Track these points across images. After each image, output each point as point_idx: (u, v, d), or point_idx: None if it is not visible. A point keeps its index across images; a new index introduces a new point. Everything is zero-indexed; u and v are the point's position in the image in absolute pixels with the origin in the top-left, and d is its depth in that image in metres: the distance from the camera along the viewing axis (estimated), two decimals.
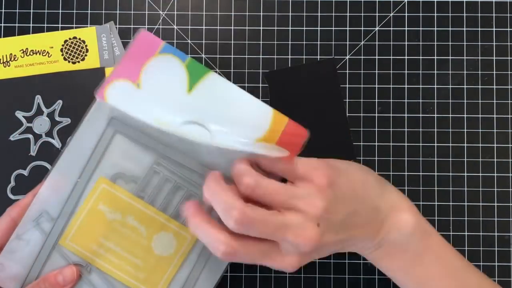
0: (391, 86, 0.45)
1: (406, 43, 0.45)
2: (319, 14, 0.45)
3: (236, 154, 0.33)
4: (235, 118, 0.34)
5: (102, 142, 0.36)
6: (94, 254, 0.36)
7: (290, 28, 0.45)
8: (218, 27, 0.45)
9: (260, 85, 0.45)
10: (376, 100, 0.45)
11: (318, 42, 0.45)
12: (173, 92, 0.34)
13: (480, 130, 0.44)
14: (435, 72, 0.45)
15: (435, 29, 0.45)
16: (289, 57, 0.45)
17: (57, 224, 0.36)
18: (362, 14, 0.45)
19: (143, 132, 0.36)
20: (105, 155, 0.36)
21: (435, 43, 0.45)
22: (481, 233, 0.44)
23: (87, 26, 0.45)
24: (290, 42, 0.45)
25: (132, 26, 0.45)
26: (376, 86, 0.45)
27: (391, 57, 0.45)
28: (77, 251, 0.36)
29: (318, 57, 0.45)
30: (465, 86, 0.45)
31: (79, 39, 0.45)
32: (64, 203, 0.36)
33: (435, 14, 0.45)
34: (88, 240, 0.36)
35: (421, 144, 0.44)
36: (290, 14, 0.45)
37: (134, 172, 0.36)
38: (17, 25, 0.45)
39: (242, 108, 0.34)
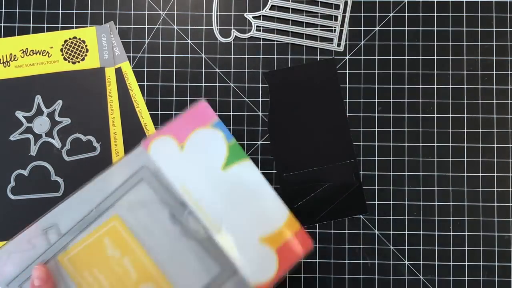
0: (391, 86, 0.45)
1: (406, 43, 0.45)
2: (319, 13, 0.45)
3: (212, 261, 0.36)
4: (253, 208, 0.37)
5: (127, 183, 0.38)
6: (83, 279, 0.37)
7: (290, 27, 0.45)
8: (218, 27, 0.45)
9: (260, 85, 0.45)
10: (376, 100, 0.45)
11: (318, 42, 0.45)
12: (209, 164, 0.37)
13: (480, 130, 0.44)
14: (435, 72, 0.45)
15: (435, 29, 0.45)
16: (289, 57, 0.45)
17: (62, 240, 0.38)
18: (362, 14, 0.45)
19: (167, 188, 0.37)
20: (125, 196, 0.38)
21: (435, 43, 0.45)
22: (481, 233, 0.44)
23: (87, 26, 0.45)
24: (290, 42, 0.45)
25: (132, 26, 0.45)
26: (376, 86, 0.45)
27: (391, 57, 0.45)
28: (70, 272, 0.37)
29: (318, 57, 0.45)
30: (465, 86, 0.45)
31: (79, 39, 0.45)
32: (74, 224, 0.38)
33: (435, 14, 0.45)
34: (84, 265, 0.37)
35: (421, 144, 0.44)
36: (290, 14, 0.45)
37: (146, 220, 0.38)
38: (17, 25, 0.45)
39: (263, 202, 0.37)
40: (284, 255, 0.35)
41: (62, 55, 0.44)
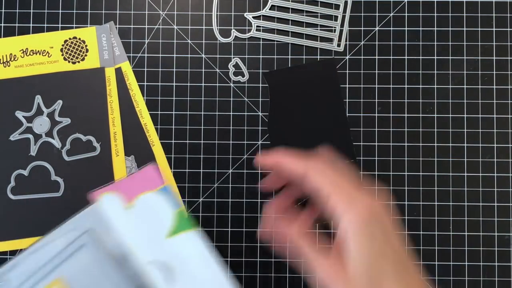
0: (391, 86, 0.45)
1: (406, 43, 0.45)
2: (319, 13, 0.45)
3: None
4: (195, 283, 0.35)
5: (70, 247, 0.37)
6: None
7: (290, 27, 0.45)
8: (218, 27, 0.45)
9: (260, 85, 0.45)
10: (376, 100, 0.45)
11: (318, 42, 0.45)
12: (154, 231, 0.36)
13: (480, 130, 0.44)
14: (435, 72, 0.45)
15: (435, 29, 0.45)
16: (289, 57, 0.45)
17: None
18: (362, 14, 0.45)
19: (112, 256, 0.37)
20: (68, 260, 0.37)
21: (435, 43, 0.45)
22: (481, 233, 0.44)
23: (87, 26, 0.45)
24: (290, 42, 0.45)
25: (132, 26, 0.45)
26: (376, 86, 0.45)
27: (391, 57, 0.45)
28: None
29: (318, 57, 0.45)
30: (465, 86, 0.45)
31: (79, 39, 0.45)
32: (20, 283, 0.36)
33: (435, 14, 0.45)
34: None
35: (421, 144, 0.44)
36: (290, 14, 0.45)
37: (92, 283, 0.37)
38: (17, 25, 0.45)
39: (207, 276, 0.36)
40: None
41: (62, 55, 0.44)
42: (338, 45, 0.45)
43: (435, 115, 0.45)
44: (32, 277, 0.37)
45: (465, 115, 0.45)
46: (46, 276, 0.37)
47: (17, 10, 0.45)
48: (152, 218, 0.37)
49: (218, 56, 0.45)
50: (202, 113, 0.45)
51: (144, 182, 0.37)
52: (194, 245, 0.36)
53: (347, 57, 0.45)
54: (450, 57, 0.45)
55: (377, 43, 0.45)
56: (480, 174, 0.44)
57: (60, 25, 0.45)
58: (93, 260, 0.37)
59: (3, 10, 0.45)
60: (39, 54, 0.44)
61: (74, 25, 0.45)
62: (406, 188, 0.44)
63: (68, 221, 0.37)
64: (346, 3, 0.45)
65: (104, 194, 0.37)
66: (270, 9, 0.45)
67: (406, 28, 0.45)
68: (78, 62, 0.44)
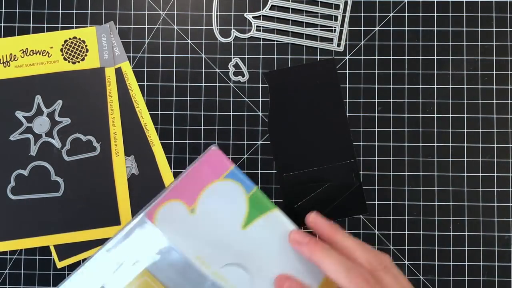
0: (391, 86, 0.45)
1: (406, 43, 0.45)
2: (319, 13, 0.45)
3: None
4: (284, 268, 0.32)
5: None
6: None
7: (290, 27, 0.45)
8: (218, 27, 0.45)
9: (260, 85, 0.45)
10: (376, 100, 0.45)
11: (318, 42, 0.45)
12: (226, 226, 0.32)
13: (480, 130, 0.44)
14: (435, 72, 0.45)
15: (435, 29, 0.45)
16: (289, 57, 0.45)
17: None
18: (362, 14, 0.45)
19: (181, 261, 0.32)
20: (149, 254, 0.32)
21: (435, 43, 0.45)
22: (481, 233, 0.44)
23: (87, 26, 0.45)
24: (290, 42, 0.45)
25: (132, 26, 0.45)
26: (376, 86, 0.45)
27: (391, 57, 0.45)
28: None
29: (318, 57, 0.45)
30: (465, 86, 0.45)
31: (79, 39, 0.45)
32: None
33: (435, 14, 0.45)
34: None
35: (421, 144, 0.44)
36: (290, 14, 0.45)
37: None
38: (17, 25, 0.45)
39: (295, 259, 0.32)
40: None
41: (62, 55, 0.44)
42: (338, 45, 0.45)
43: (435, 115, 0.45)
44: (118, 269, 0.32)
45: (465, 115, 0.45)
46: (132, 269, 0.32)
47: (17, 10, 0.45)
48: (222, 213, 0.32)
49: (218, 56, 0.45)
50: (202, 113, 0.45)
51: (207, 172, 0.32)
52: (276, 227, 0.32)
53: (347, 57, 0.45)
54: (450, 57, 0.45)
55: (377, 43, 0.45)
56: (480, 174, 0.44)
57: (60, 25, 0.45)
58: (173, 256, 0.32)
59: (3, 10, 0.45)
60: (39, 54, 0.44)
61: (74, 25, 0.45)
62: (406, 188, 0.44)
63: (120, 233, 0.32)
64: (346, 3, 0.45)
65: (161, 206, 0.31)
66: (270, 9, 0.45)
67: (406, 28, 0.45)
68: (78, 62, 0.44)
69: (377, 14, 0.45)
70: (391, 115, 0.45)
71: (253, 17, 0.45)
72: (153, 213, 0.31)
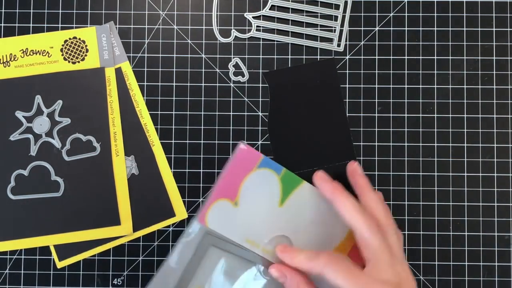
0: (391, 86, 0.45)
1: (406, 43, 0.45)
2: (319, 13, 0.45)
3: None
4: (318, 230, 0.37)
5: (197, 256, 0.37)
6: None
7: (290, 27, 0.45)
8: (218, 27, 0.45)
9: (260, 85, 0.45)
10: (376, 100, 0.45)
11: (318, 42, 0.45)
12: (266, 207, 0.36)
13: (480, 130, 0.44)
14: (435, 72, 0.45)
15: (435, 29, 0.45)
16: (289, 57, 0.45)
17: None
18: (362, 14, 0.45)
19: (237, 245, 0.37)
20: (200, 268, 0.37)
21: (435, 43, 0.45)
22: (481, 233, 0.44)
23: (87, 26, 0.45)
24: (290, 42, 0.45)
25: (132, 26, 0.45)
26: (376, 86, 0.45)
27: (391, 57, 0.45)
28: None
29: (318, 57, 0.45)
30: (465, 86, 0.45)
31: (79, 39, 0.45)
32: None
33: (435, 14, 0.45)
34: None
35: (421, 144, 0.44)
36: (290, 14, 0.45)
37: (231, 284, 0.37)
38: (17, 25, 0.45)
39: (324, 221, 0.37)
40: (355, 259, 0.34)
41: (62, 55, 0.44)
42: (338, 45, 0.45)
43: (435, 115, 0.45)
44: None
45: (465, 115, 0.45)
46: None
47: (17, 10, 0.45)
48: (260, 197, 0.36)
49: (218, 56, 0.45)
50: (202, 113, 0.45)
51: (242, 167, 0.36)
52: (305, 198, 0.37)
53: (347, 57, 0.45)
54: (450, 57, 0.45)
55: (377, 43, 0.45)
56: (480, 174, 0.44)
57: (60, 25, 0.45)
58: (221, 261, 0.37)
59: (3, 10, 0.45)
60: (39, 54, 0.44)
61: (74, 25, 0.45)
62: (406, 188, 0.44)
63: (179, 242, 0.38)
64: (346, 3, 0.45)
65: (209, 209, 0.36)
66: (270, 9, 0.45)
67: (406, 28, 0.45)
68: (78, 62, 0.44)
69: (377, 14, 0.45)
70: (391, 115, 0.45)
71: (253, 17, 0.45)
72: (204, 216, 0.36)
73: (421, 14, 0.45)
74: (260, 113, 0.45)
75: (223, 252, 0.37)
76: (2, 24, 0.45)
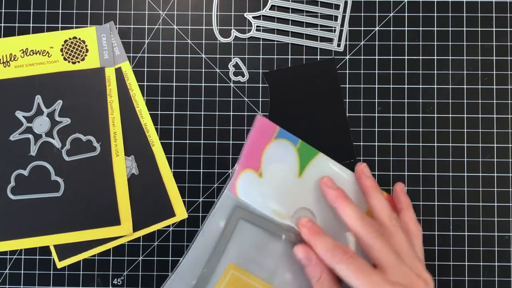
0: (391, 86, 0.45)
1: (406, 43, 0.45)
2: (319, 13, 0.45)
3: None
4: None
5: (227, 230, 0.38)
6: None
7: (290, 27, 0.45)
8: (218, 27, 0.45)
9: (260, 85, 0.45)
10: (376, 100, 0.45)
11: (318, 42, 0.45)
12: (287, 179, 0.38)
13: (480, 130, 0.44)
14: (435, 72, 0.45)
15: (435, 29, 0.45)
16: (289, 57, 0.45)
17: None
18: (362, 14, 0.45)
19: (265, 217, 0.38)
20: (231, 242, 0.38)
21: (435, 43, 0.45)
22: (481, 233, 0.44)
23: (87, 26, 0.45)
24: (290, 42, 0.45)
25: (132, 26, 0.45)
26: (376, 86, 0.45)
27: (391, 57, 0.45)
28: None
29: (318, 57, 0.45)
30: (465, 86, 0.45)
31: (79, 39, 0.45)
32: None
33: (435, 14, 0.45)
34: None
35: (421, 144, 0.44)
36: (290, 14, 0.45)
37: (260, 257, 0.38)
38: (17, 25, 0.45)
39: (345, 185, 0.38)
40: None
41: (62, 55, 0.44)
42: (338, 45, 0.45)
43: (435, 115, 0.45)
44: (202, 276, 0.37)
45: (465, 115, 0.45)
46: (216, 267, 0.37)
47: (17, 10, 0.45)
48: (281, 168, 0.38)
49: (218, 56, 0.45)
50: (202, 113, 0.45)
51: (261, 138, 0.38)
52: (323, 168, 0.39)
53: (347, 57, 0.45)
54: (450, 57, 0.45)
55: (377, 43, 0.45)
56: (480, 174, 0.44)
57: (60, 25, 0.45)
58: (251, 234, 0.38)
59: (3, 10, 0.45)
60: (39, 54, 0.44)
61: (74, 25, 0.45)
62: (406, 188, 0.44)
63: (212, 212, 0.38)
64: (346, 3, 0.45)
65: (238, 179, 0.37)
66: (270, 9, 0.45)
67: (406, 28, 0.45)
68: (78, 62, 0.44)
69: (377, 14, 0.45)
70: (391, 115, 0.45)
71: (253, 17, 0.45)
72: (234, 187, 0.37)
73: (421, 14, 0.45)
74: (260, 113, 0.45)
75: (252, 225, 0.38)
76: (2, 24, 0.45)
